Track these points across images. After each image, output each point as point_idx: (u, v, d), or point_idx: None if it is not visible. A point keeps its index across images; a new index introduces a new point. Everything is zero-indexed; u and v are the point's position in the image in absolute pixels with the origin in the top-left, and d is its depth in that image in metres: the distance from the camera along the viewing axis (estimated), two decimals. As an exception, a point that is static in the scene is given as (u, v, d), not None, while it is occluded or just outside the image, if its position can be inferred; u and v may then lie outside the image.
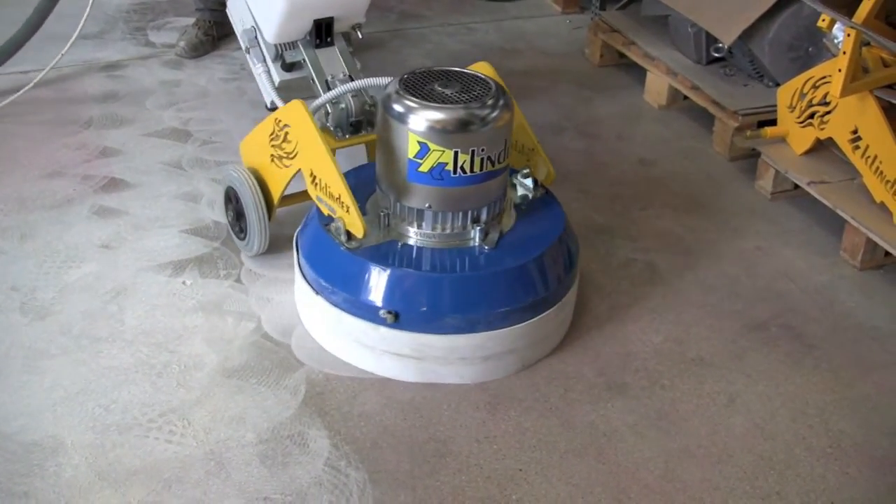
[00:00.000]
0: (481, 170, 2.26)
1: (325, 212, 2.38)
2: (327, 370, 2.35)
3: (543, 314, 2.35)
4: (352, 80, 2.65)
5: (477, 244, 2.34)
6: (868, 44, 2.77)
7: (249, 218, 2.59)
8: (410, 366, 2.31)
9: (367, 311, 2.28)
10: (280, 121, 2.48)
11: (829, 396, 2.36)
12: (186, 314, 2.51)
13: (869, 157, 2.82)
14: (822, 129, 2.98)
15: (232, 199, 2.68)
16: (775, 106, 3.17)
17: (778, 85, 3.23)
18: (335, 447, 2.14)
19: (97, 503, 1.98)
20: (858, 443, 2.23)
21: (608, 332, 2.54)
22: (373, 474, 2.08)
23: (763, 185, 3.18)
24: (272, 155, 2.53)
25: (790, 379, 2.42)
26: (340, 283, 2.31)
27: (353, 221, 2.27)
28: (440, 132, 2.20)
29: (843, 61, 2.70)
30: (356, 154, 2.77)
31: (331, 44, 2.73)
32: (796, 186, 3.08)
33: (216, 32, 3.91)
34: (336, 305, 2.33)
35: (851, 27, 2.65)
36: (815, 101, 2.98)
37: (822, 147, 3.07)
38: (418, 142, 2.21)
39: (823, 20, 2.87)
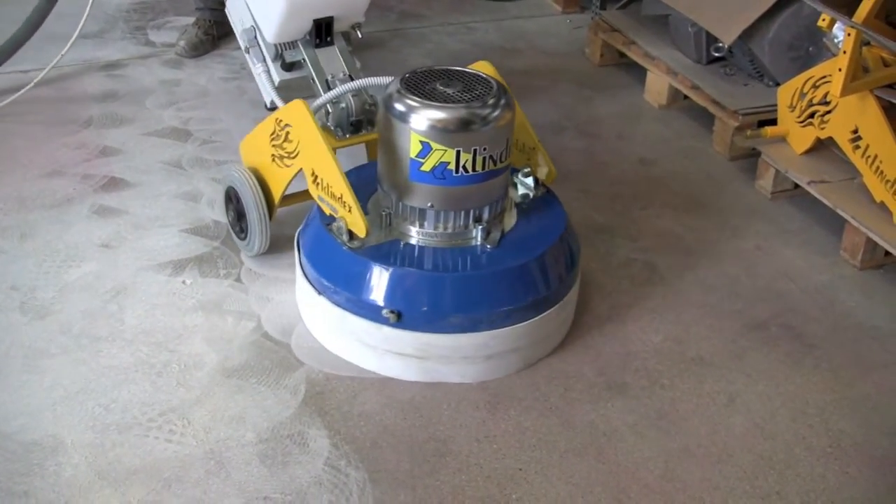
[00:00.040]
0: (483, 169, 2.26)
1: (327, 211, 2.38)
2: (327, 370, 2.35)
3: (546, 313, 2.35)
4: (352, 79, 2.65)
5: (479, 243, 2.34)
6: (868, 43, 2.77)
7: (250, 218, 2.59)
8: (413, 365, 2.31)
9: (369, 311, 2.27)
10: (281, 120, 2.48)
11: (829, 396, 2.36)
12: (186, 313, 2.51)
13: (869, 156, 2.82)
14: (823, 129, 2.98)
15: (232, 199, 2.67)
16: (775, 105, 3.17)
17: (778, 84, 3.23)
18: (335, 447, 2.14)
19: (97, 502, 1.98)
20: (858, 442, 2.23)
21: (608, 332, 2.54)
22: (373, 474, 2.08)
23: (763, 184, 3.18)
24: (273, 155, 2.53)
25: (790, 378, 2.42)
26: (343, 283, 2.31)
27: (356, 221, 2.27)
28: (442, 131, 2.20)
29: (843, 61, 2.70)
30: (356, 154, 2.77)
31: (330, 43, 2.73)
32: (796, 186, 3.08)
33: (216, 32, 3.91)
34: (338, 305, 2.33)
35: (851, 27, 2.65)
36: (815, 101, 2.98)
37: (823, 146, 3.07)
38: (420, 141, 2.21)
39: (823, 20, 2.87)
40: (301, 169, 2.45)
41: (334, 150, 2.41)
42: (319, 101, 2.54)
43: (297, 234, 2.54)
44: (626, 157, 3.39)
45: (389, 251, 2.31)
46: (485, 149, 2.23)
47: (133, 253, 2.72)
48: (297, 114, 2.42)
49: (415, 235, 2.35)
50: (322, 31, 2.70)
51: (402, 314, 2.25)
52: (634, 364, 2.44)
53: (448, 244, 2.34)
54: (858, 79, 2.75)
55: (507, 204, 2.45)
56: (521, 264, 2.32)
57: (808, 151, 3.07)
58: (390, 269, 2.27)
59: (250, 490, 2.02)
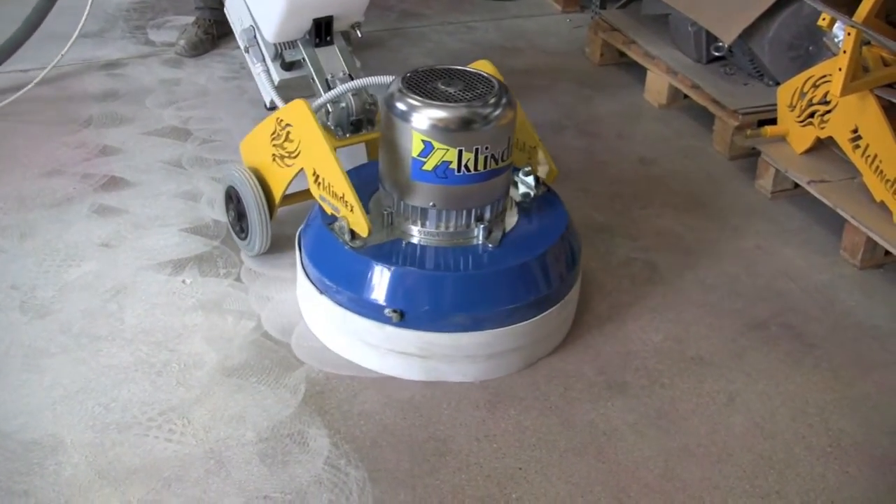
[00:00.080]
0: (485, 168, 2.26)
1: (329, 211, 2.37)
2: (327, 369, 2.35)
3: (548, 311, 2.35)
4: (352, 78, 2.65)
5: (480, 242, 2.34)
6: (868, 43, 2.77)
7: (251, 218, 2.59)
8: (414, 364, 2.31)
9: (371, 310, 2.27)
10: (282, 120, 2.47)
11: (829, 395, 2.36)
12: (186, 313, 2.51)
13: (869, 156, 2.82)
14: (823, 128, 2.98)
15: (233, 198, 2.67)
16: (775, 105, 3.17)
17: (778, 84, 3.23)
18: (335, 446, 2.14)
19: (97, 502, 1.98)
20: (858, 442, 2.23)
21: (608, 331, 2.54)
22: (372, 473, 2.08)
23: (763, 184, 3.18)
24: (274, 154, 2.53)
25: (790, 378, 2.42)
26: (345, 283, 2.31)
27: (358, 220, 2.27)
28: (445, 131, 2.20)
29: (843, 60, 2.70)
30: (357, 153, 2.77)
31: (330, 42, 2.73)
32: (796, 185, 3.08)
33: (216, 31, 3.91)
34: (340, 304, 2.32)
35: (852, 26, 2.65)
36: (815, 100, 2.98)
37: (823, 146, 3.07)
38: (422, 140, 2.21)
39: (824, 19, 2.87)
40: (302, 169, 2.45)
41: (335, 149, 2.41)
42: (320, 100, 2.54)
43: (297, 234, 2.54)
44: (626, 156, 3.39)
45: (391, 250, 2.31)
46: (487, 148, 2.23)
47: (133, 252, 2.72)
48: (298, 113, 2.41)
49: (416, 235, 2.36)
50: (322, 31, 2.70)
51: (404, 313, 2.25)
52: (634, 363, 2.44)
53: (450, 243, 2.34)
54: (858, 78, 2.75)
55: (508, 203, 2.45)
56: (523, 263, 2.32)
57: (808, 151, 3.07)
58: (392, 269, 2.27)
59: (250, 489, 2.02)
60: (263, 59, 2.78)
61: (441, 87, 2.27)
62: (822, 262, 2.87)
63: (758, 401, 2.34)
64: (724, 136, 3.37)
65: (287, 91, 2.73)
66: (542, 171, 2.54)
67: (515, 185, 2.46)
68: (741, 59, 3.48)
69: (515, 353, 2.35)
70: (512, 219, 2.44)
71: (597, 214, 3.02)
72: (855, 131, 2.86)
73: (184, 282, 2.62)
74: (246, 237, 2.66)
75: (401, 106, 2.24)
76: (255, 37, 2.78)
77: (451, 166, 2.23)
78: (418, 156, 2.24)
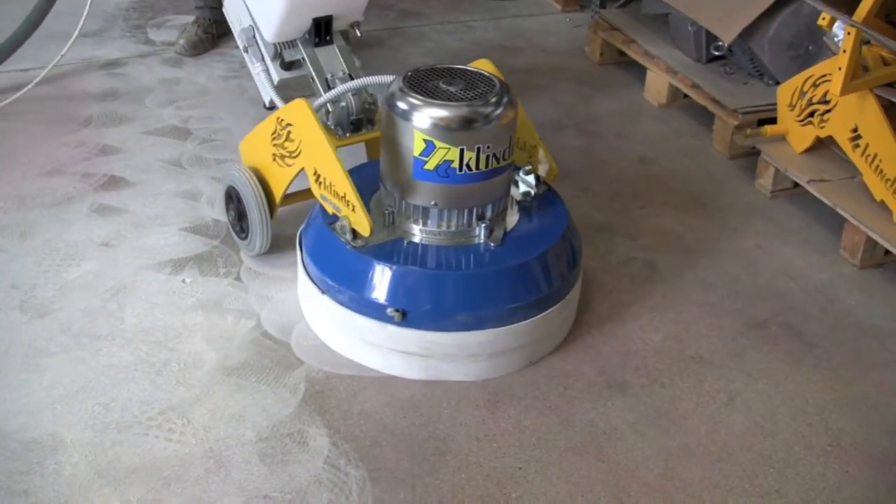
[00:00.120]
0: (487, 167, 2.26)
1: (330, 211, 2.37)
2: (327, 368, 2.35)
3: (550, 310, 2.35)
4: (351, 78, 2.65)
5: (482, 241, 2.34)
6: (868, 42, 2.77)
7: (252, 218, 2.59)
8: (416, 364, 2.31)
9: (373, 310, 2.27)
10: (282, 120, 2.47)
11: (829, 395, 2.36)
12: (186, 312, 2.51)
13: (869, 155, 2.82)
14: (822, 128, 2.98)
15: (233, 198, 2.67)
16: (775, 104, 3.17)
17: (778, 83, 3.23)
18: (335, 445, 2.14)
19: (97, 501, 1.98)
20: (858, 441, 2.23)
21: (608, 331, 2.54)
22: (372, 472, 2.08)
23: (763, 183, 3.18)
24: (274, 154, 2.53)
25: (790, 377, 2.42)
26: (346, 282, 2.31)
27: (360, 220, 2.27)
28: (447, 130, 2.20)
29: (843, 60, 2.70)
30: (356, 153, 2.76)
31: (330, 42, 2.73)
32: (796, 185, 3.08)
33: (216, 30, 3.91)
34: (342, 304, 2.32)
35: (851, 25, 2.65)
36: (815, 100, 2.98)
37: (822, 145, 3.07)
38: (424, 139, 2.21)
39: (823, 18, 2.87)
40: (302, 168, 2.45)
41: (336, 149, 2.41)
42: (321, 100, 2.54)
43: (298, 234, 2.54)
44: (625, 155, 3.39)
45: (393, 250, 2.31)
46: (488, 147, 2.23)
47: (133, 252, 2.72)
48: (299, 113, 2.41)
49: (418, 234, 2.36)
50: (321, 30, 2.70)
51: (406, 313, 2.25)
52: (634, 363, 2.44)
53: (451, 242, 2.35)
54: (858, 78, 2.75)
55: (509, 202, 2.45)
56: (525, 262, 2.32)
57: (808, 150, 3.07)
58: (394, 268, 2.27)
59: (250, 489, 2.02)
60: (263, 59, 2.78)
61: (442, 87, 2.27)
62: (821, 261, 2.87)
63: (758, 400, 2.34)
64: (723, 136, 3.37)
65: (286, 90, 2.73)
66: (543, 169, 2.54)
67: (516, 183, 2.46)
68: (741, 58, 3.48)
69: (517, 352, 2.35)
70: (513, 218, 2.44)
71: (596, 214, 3.02)
72: (855, 130, 2.86)
73: (183, 281, 2.62)
74: (246, 237, 2.66)
75: (402, 105, 2.24)
76: (254, 36, 2.78)
77: (452, 165, 2.23)
78: (420, 155, 2.24)
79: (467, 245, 2.34)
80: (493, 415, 2.25)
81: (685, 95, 3.60)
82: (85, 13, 3.28)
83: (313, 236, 2.44)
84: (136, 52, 3.90)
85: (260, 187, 2.57)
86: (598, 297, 2.65)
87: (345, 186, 2.28)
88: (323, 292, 2.37)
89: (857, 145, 2.85)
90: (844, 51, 2.69)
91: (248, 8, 2.78)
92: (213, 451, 2.11)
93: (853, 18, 2.65)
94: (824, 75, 2.92)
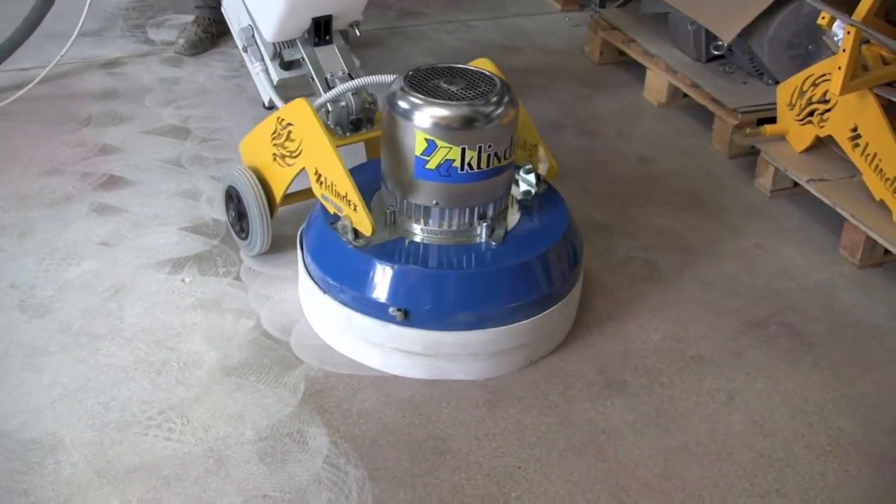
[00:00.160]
0: (488, 166, 2.26)
1: (331, 210, 2.37)
2: (326, 368, 2.35)
3: (551, 309, 2.36)
4: (351, 77, 2.65)
5: (483, 241, 2.34)
6: (868, 41, 2.77)
7: (252, 218, 2.59)
8: (418, 363, 2.31)
9: (375, 309, 2.27)
10: (283, 119, 2.47)
11: (829, 394, 2.36)
12: (185, 312, 2.51)
13: (868, 154, 2.82)
14: (822, 127, 2.98)
15: (234, 198, 2.67)
16: (775, 104, 3.17)
17: (777, 83, 3.23)
18: (334, 445, 2.14)
19: (96, 501, 1.98)
20: (858, 441, 2.23)
21: (608, 330, 2.54)
22: (372, 472, 2.08)
23: (762, 182, 3.18)
24: (274, 154, 2.53)
25: (789, 377, 2.42)
26: (348, 282, 2.31)
27: (361, 219, 2.27)
28: (449, 129, 2.20)
29: (842, 59, 2.70)
30: (356, 152, 2.76)
31: (329, 42, 2.73)
32: (796, 184, 3.08)
33: (215, 30, 3.91)
34: (344, 304, 2.32)
35: (851, 25, 2.65)
36: (814, 99, 2.98)
37: (822, 145, 3.07)
38: (426, 139, 2.21)
39: (823, 18, 2.87)
40: (303, 168, 2.45)
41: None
42: (321, 99, 2.54)
43: (299, 233, 2.54)
44: (625, 155, 3.39)
45: (394, 249, 2.31)
46: (490, 146, 2.23)
47: (132, 251, 2.72)
48: (300, 112, 2.41)
49: (419, 233, 2.36)
50: (321, 30, 2.70)
51: (408, 312, 2.25)
52: (634, 362, 2.44)
53: (453, 242, 2.35)
54: (858, 77, 2.75)
55: (510, 201, 2.46)
56: (527, 261, 2.32)
57: (808, 150, 3.07)
58: (396, 267, 2.27)
59: (249, 488, 2.02)
60: (262, 59, 2.78)
61: (443, 86, 2.27)
62: (821, 260, 2.87)
63: (757, 399, 2.34)
64: (723, 135, 3.37)
65: (284, 90, 2.73)
66: (543, 168, 2.54)
67: (516, 182, 2.46)
68: (741, 57, 3.48)
69: (519, 351, 2.35)
70: (513, 217, 2.45)
71: (596, 213, 3.02)
72: (854, 130, 2.86)
73: (183, 280, 2.62)
74: (246, 237, 2.66)
75: (403, 104, 2.24)
76: (253, 36, 2.78)
77: (454, 164, 2.23)
78: (421, 154, 2.24)
79: (469, 244, 2.34)
80: (492, 414, 2.25)
81: (685, 95, 3.60)
82: (84, 12, 3.28)
83: (315, 236, 2.44)
84: (135, 52, 3.90)
85: (260, 187, 2.57)
86: (597, 296, 2.65)
87: (346, 186, 2.28)
88: (325, 292, 2.37)
89: (857, 145, 2.85)
90: (844, 50, 2.69)
91: (247, 8, 2.78)
92: (213, 450, 2.11)
93: (853, 18, 2.65)
94: (824, 74, 2.92)
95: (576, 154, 3.35)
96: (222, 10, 2.98)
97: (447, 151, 2.21)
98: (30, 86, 3.34)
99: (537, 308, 2.33)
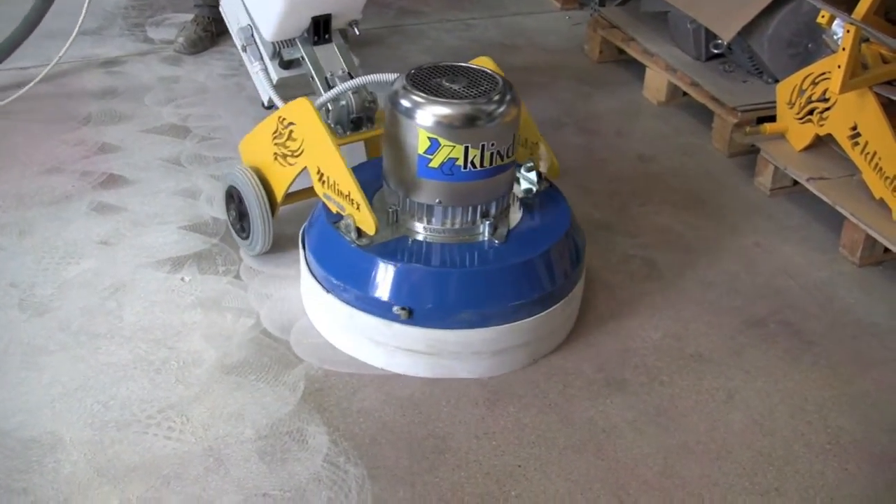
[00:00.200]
0: (491, 164, 2.26)
1: (334, 209, 2.37)
2: (326, 366, 2.35)
3: (555, 307, 2.36)
4: (351, 76, 2.65)
5: (486, 239, 2.34)
6: (867, 40, 2.77)
7: (253, 218, 2.58)
8: (422, 362, 2.31)
9: (379, 308, 2.27)
10: (284, 119, 2.47)
11: (828, 393, 2.36)
12: (185, 310, 2.51)
13: (868, 153, 2.82)
14: (822, 126, 2.98)
15: (234, 198, 2.67)
16: (774, 102, 3.17)
17: (777, 81, 3.23)
18: (334, 443, 2.14)
19: (96, 499, 1.98)
20: (857, 439, 2.23)
21: (607, 329, 2.54)
22: (372, 470, 2.08)
23: (762, 181, 3.18)
24: (275, 153, 2.53)
25: (789, 375, 2.42)
26: (352, 281, 2.31)
27: (365, 218, 2.27)
28: (452, 127, 2.20)
29: (842, 58, 2.70)
30: (355, 151, 2.76)
31: (329, 41, 2.73)
32: (795, 183, 3.08)
33: (215, 28, 3.90)
34: (347, 303, 2.32)
35: (851, 23, 2.65)
36: (814, 98, 2.98)
37: (822, 143, 3.07)
38: (429, 137, 2.21)
39: (823, 16, 2.86)
40: (304, 167, 2.45)
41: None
42: (322, 98, 2.54)
43: (301, 232, 2.54)
44: (624, 153, 3.39)
45: (397, 248, 2.31)
46: (492, 144, 2.23)
47: (132, 250, 2.72)
48: (301, 112, 2.41)
49: (422, 232, 2.36)
50: (320, 29, 2.70)
51: (413, 311, 2.25)
52: (633, 361, 2.44)
53: (455, 240, 2.35)
54: (857, 75, 2.75)
55: (511, 199, 2.46)
56: (530, 259, 2.32)
57: (807, 148, 3.07)
58: (400, 266, 2.27)
59: (249, 487, 2.02)
60: (261, 58, 2.78)
61: (445, 84, 2.27)
62: (821, 259, 2.87)
63: (757, 398, 2.34)
64: (723, 134, 3.37)
65: (283, 90, 2.73)
66: (544, 166, 2.54)
67: (518, 181, 2.46)
68: (740, 56, 3.47)
69: (522, 349, 2.36)
70: (515, 215, 2.45)
71: (595, 212, 3.02)
72: (854, 128, 2.86)
73: (183, 279, 2.62)
74: (248, 237, 2.66)
75: (406, 103, 2.24)
76: (252, 35, 2.78)
77: (457, 163, 2.23)
78: (424, 153, 2.23)
79: (471, 243, 2.34)
80: (492, 413, 2.25)
81: (684, 93, 3.60)
82: (84, 11, 3.28)
83: (317, 235, 2.43)
84: (135, 51, 3.90)
85: (261, 187, 2.56)
86: (597, 295, 2.65)
87: (349, 185, 2.28)
88: (327, 291, 2.36)
89: (857, 143, 2.85)
90: (844, 48, 2.69)
91: (246, 7, 2.78)
92: (213, 449, 2.11)
93: (852, 16, 2.65)
94: (823, 73, 2.92)
95: (575, 152, 3.35)
96: (221, 9, 2.98)
97: (450, 150, 2.21)
98: (30, 85, 3.33)
99: (540, 306, 2.33)
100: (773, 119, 3.18)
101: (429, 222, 2.35)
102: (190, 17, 3.95)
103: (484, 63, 2.43)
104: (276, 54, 2.75)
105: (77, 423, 2.15)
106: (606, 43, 3.97)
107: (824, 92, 2.92)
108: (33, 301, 2.51)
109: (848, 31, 2.67)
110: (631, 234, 2.93)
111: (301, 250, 2.49)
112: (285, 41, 2.73)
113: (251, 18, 2.77)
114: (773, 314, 2.63)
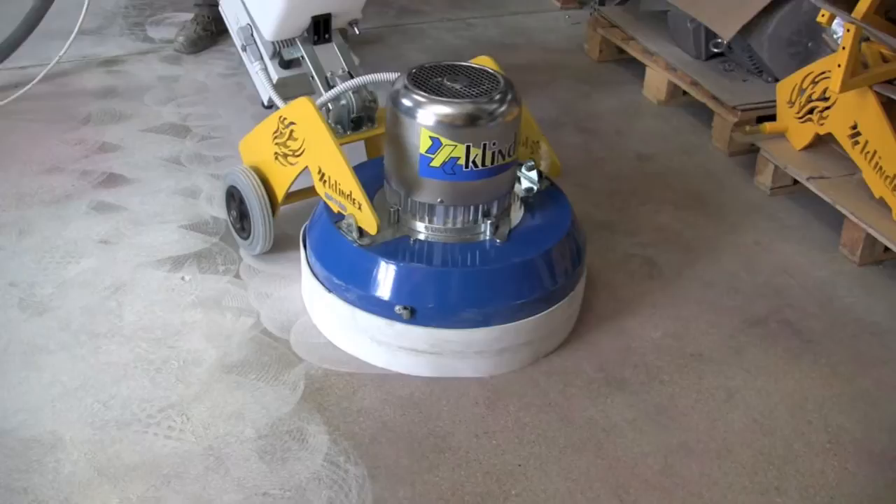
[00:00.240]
0: (492, 164, 2.26)
1: (335, 209, 2.37)
2: (326, 366, 2.35)
3: (556, 306, 2.36)
4: (351, 76, 2.65)
5: (488, 238, 2.34)
6: (867, 39, 2.77)
7: (254, 218, 2.58)
8: (424, 361, 2.31)
9: (381, 308, 2.27)
10: (285, 118, 2.47)
11: (828, 392, 2.36)
12: (185, 310, 2.51)
13: (868, 152, 2.82)
14: (822, 125, 2.98)
15: (235, 198, 2.67)
16: (774, 101, 3.17)
17: (777, 80, 3.23)
18: (334, 442, 2.14)
19: (96, 499, 1.98)
20: (857, 438, 2.23)
21: (607, 328, 2.54)
22: (372, 469, 2.08)
23: (762, 180, 3.18)
24: (276, 153, 2.52)
25: (789, 374, 2.42)
26: (353, 280, 2.31)
27: (367, 218, 2.27)
28: (454, 127, 2.20)
29: (842, 57, 2.70)
30: (355, 151, 2.76)
31: (329, 40, 2.73)
32: (795, 182, 3.08)
33: (215, 28, 3.90)
34: (349, 302, 2.32)
35: (851, 22, 2.65)
36: (814, 97, 2.98)
37: (822, 142, 3.07)
38: (430, 137, 2.21)
39: (823, 15, 2.86)
40: (305, 167, 2.44)
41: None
42: (323, 98, 2.54)
43: (302, 232, 2.54)
44: (624, 152, 3.39)
45: (399, 247, 2.31)
46: (494, 143, 2.23)
47: (132, 249, 2.72)
48: (303, 111, 2.40)
49: (423, 231, 2.36)
50: (320, 28, 2.70)
51: (415, 310, 2.25)
52: (633, 360, 2.44)
53: (457, 239, 2.35)
54: (857, 75, 2.75)
55: (512, 198, 2.46)
56: (532, 258, 2.32)
57: (807, 147, 3.07)
58: (402, 266, 2.27)
59: (249, 486, 2.02)
60: (261, 58, 2.77)
61: (447, 84, 2.27)
62: (821, 258, 2.87)
63: (757, 397, 2.34)
64: (723, 133, 3.37)
65: (282, 89, 2.73)
66: (545, 165, 2.55)
67: (519, 180, 2.46)
68: (740, 55, 3.47)
69: (524, 348, 2.36)
70: (517, 214, 2.45)
71: (595, 211, 3.02)
72: (854, 128, 2.86)
73: (183, 278, 2.62)
74: (248, 237, 2.65)
75: (407, 102, 2.24)
76: (251, 35, 2.77)
77: (458, 162, 2.23)
78: (426, 152, 2.23)
79: (473, 242, 2.34)
80: (492, 412, 2.25)
81: (684, 93, 3.59)
82: (84, 11, 3.28)
83: (318, 235, 2.43)
84: (135, 50, 3.90)
85: (262, 187, 2.56)
86: (597, 294, 2.65)
87: (351, 184, 2.28)
88: (329, 291, 2.36)
89: (857, 142, 2.85)
90: (844, 47, 2.69)
91: (245, 7, 2.77)
92: (213, 448, 2.11)
93: (852, 15, 2.65)
94: (823, 72, 2.92)
95: (575, 152, 3.35)
96: (220, 9, 2.98)
97: (452, 149, 2.21)
98: (30, 84, 3.33)
99: (542, 305, 2.33)
100: (773, 118, 3.18)
101: (430, 222, 2.35)
102: (190, 16, 3.95)
103: (485, 62, 2.43)
104: (276, 54, 2.75)
105: (77, 423, 2.15)
106: (606, 42, 3.97)
107: (824, 91, 2.92)
108: (33, 300, 2.51)
109: (848, 30, 2.67)
110: (631, 233, 2.93)
111: (302, 250, 2.49)
112: (285, 41, 2.73)
113: (251, 18, 2.77)
114: (774, 313, 2.63)
